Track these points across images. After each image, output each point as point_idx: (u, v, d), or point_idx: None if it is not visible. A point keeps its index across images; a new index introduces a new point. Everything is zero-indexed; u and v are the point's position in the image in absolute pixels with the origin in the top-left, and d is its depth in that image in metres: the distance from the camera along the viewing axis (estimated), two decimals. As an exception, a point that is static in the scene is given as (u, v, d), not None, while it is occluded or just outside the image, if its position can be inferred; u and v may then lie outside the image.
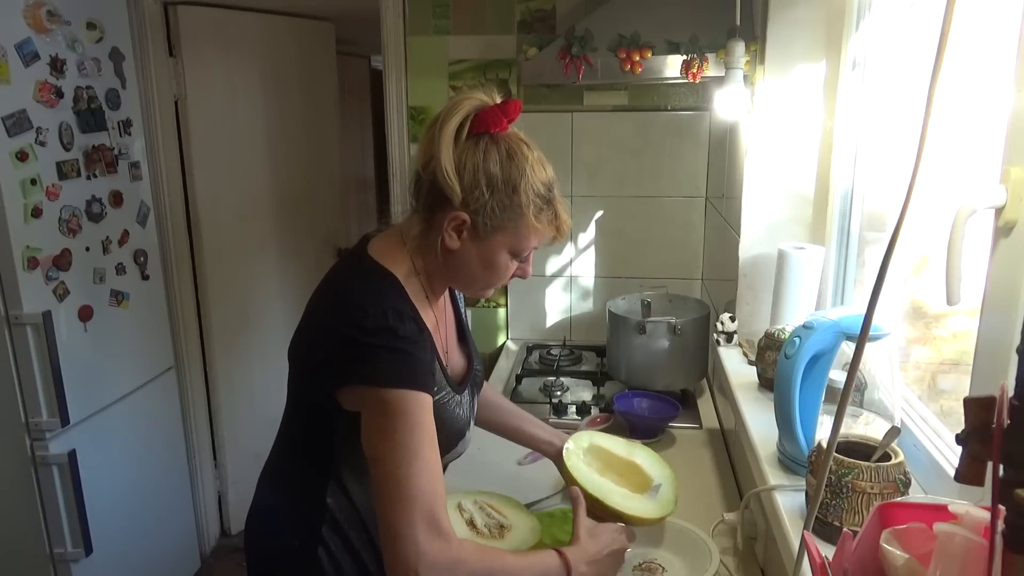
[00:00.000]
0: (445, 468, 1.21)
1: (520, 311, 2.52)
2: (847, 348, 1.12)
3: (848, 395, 0.65)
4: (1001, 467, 0.45)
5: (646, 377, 1.91)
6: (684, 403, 1.93)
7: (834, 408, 1.06)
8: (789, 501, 1.05)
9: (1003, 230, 0.76)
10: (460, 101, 1.04)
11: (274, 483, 1.23)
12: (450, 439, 1.14)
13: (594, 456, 1.36)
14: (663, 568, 1.25)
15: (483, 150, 1.03)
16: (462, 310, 1.33)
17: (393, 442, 0.96)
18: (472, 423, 1.23)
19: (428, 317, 1.12)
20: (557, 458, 1.36)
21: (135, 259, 2.42)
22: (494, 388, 1.48)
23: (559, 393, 2.04)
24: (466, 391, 1.20)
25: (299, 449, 1.17)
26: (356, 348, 0.99)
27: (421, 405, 0.99)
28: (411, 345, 1.00)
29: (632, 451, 1.38)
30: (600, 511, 1.22)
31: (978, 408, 0.48)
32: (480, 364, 1.32)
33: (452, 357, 1.24)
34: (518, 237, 1.07)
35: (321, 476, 1.11)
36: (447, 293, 1.26)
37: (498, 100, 1.06)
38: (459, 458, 1.47)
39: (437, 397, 1.08)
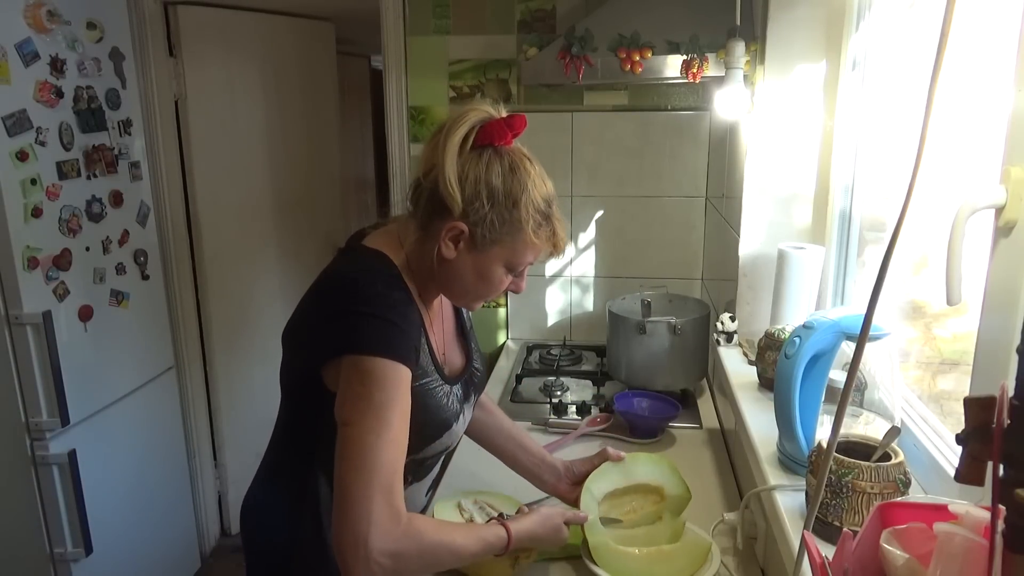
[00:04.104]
0: (432, 460, 1.22)
1: (520, 311, 2.52)
2: (847, 348, 1.12)
3: (848, 395, 0.65)
4: (1001, 467, 0.45)
5: (646, 377, 1.91)
6: (684, 403, 1.93)
7: (834, 408, 1.06)
8: (789, 501, 1.05)
9: (1003, 230, 0.76)
10: (466, 112, 1.04)
11: (265, 472, 1.23)
12: (434, 428, 1.13)
13: (603, 502, 1.33)
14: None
15: (486, 162, 1.03)
16: (463, 312, 1.33)
17: (366, 408, 0.96)
18: (462, 418, 1.20)
19: (424, 315, 1.12)
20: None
21: (135, 259, 2.42)
22: (499, 409, 1.47)
23: (559, 393, 2.04)
24: (458, 385, 1.19)
25: (288, 437, 1.18)
26: (346, 317, 1.00)
27: (399, 376, 0.98)
28: (398, 316, 1.01)
29: (630, 472, 1.35)
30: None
31: (978, 408, 0.48)
32: (480, 364, 1.31)
33: (449, 356, 1.24)
34: (515, 251, 1.07)
35: (306, 463, 1.12)
36: None
37: (504, 114, 1.05)
38: (455, 457, 1.47)
39: (423, 381, 1.09)
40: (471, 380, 1.25)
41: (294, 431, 1.16)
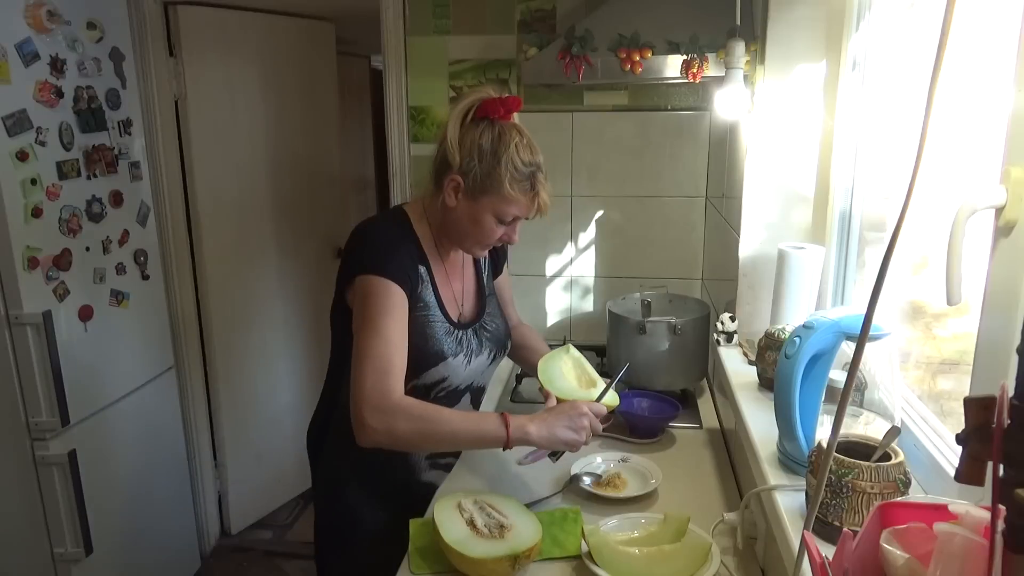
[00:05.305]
0: (439, 393, 1.41)
1: (520, 311, 2.50)
2: (847, 348, 1.12)
3: (848, 395, 0.65)
4: (1001, 467, 0.45)
5: (646, 377, 1.90)
6: (684, 403, 1.93)
7: (834, 408, 1.06)
8: (789, 501, 1.05)
9: (1003, 230, 0.76)
10: (471, 92, 1.34)
11: (320, 404, 1.52)
12: (428, 356, 1.35)
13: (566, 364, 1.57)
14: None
15: (481, 131, 1.31)
16: (484, 275, 1.56)
17: (364, 319, 1.25)
18: (463, 359, 1.41)
19: (435, 261, 1.39)
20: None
21: (135, 259, 2.42)
22: (534, 331, 1.78)
23: (559, 393, 2.04)
24: (467, 332, 1.42)
25: (331, 360, 1.45)
26: (353, 245, 1.32)
27: (390, 291, 1.26)
28: (390, 245, 1.30)
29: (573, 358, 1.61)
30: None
31: (978, 408, 0.48)
32: (496, 321, 1.52)
33: (465, 305, 1.48)
34: (501, 201, 1.31)
35: (339, 375, 1.38)
36: (471, 260, 1.52)
37: (505, 95, 1.33)
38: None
39: (423, 312, 1.34)
40: (482, 331, 1.47)
41: (333, 354, 1.43)
